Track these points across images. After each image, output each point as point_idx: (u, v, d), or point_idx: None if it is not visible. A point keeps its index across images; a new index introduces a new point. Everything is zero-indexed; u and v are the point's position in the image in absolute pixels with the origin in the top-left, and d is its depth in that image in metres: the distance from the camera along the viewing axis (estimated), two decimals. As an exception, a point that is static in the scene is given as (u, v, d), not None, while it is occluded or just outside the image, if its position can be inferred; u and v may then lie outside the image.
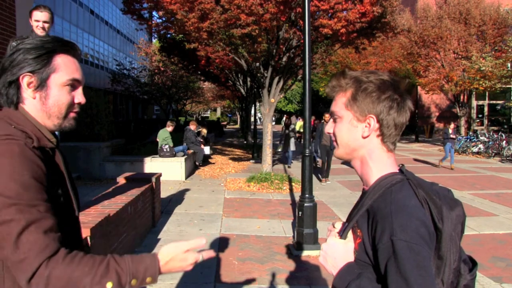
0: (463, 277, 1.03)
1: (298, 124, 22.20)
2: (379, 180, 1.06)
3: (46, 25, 3.63)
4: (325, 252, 1.08)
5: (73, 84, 1.14)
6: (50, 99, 1.11)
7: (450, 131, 12.22)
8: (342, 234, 1.09)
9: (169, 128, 10.53)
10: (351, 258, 1.04)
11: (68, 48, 1.15)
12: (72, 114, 1.17)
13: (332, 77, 1.14)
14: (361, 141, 1.08)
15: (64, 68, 1.12)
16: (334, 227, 1.17)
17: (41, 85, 1.10)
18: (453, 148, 12.38)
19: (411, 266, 0.89)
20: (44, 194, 0.97)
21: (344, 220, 1.18)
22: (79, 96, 1.17)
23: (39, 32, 3.61)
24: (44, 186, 0.98)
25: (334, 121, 1.13)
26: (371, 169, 1.08)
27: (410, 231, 0.92)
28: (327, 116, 9.65)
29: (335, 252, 1.06)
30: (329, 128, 1.16)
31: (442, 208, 0.98)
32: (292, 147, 12.48)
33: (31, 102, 1.11)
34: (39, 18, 3.59)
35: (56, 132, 1.27)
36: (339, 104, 1.11)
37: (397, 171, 1.08)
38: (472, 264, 1.07)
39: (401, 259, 0.89)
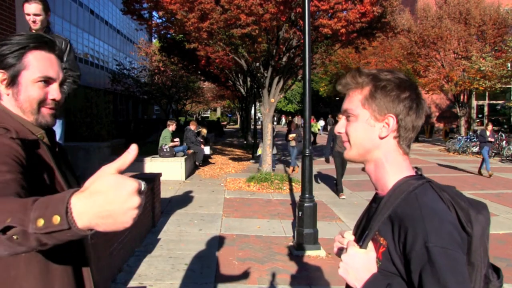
0: (492, 283, 0.97)
1: (314, 126, 22.14)
2: (397, 184, 1.00)
3: (38, 18, 3.33)
4: (346, 264, 1.00)
5: (46, 81, 1.14)
6: (21, 95, 1.12)
7: (488, 133, 10.84)
8: (362, 243, 1.01)
9: (170, 127, 10.54)
10: (374, 269, 0.97)
11: (43, 44, 1.14)
12: (46, 111, 1.16)
13: (346, 74, 1.07)
14: (377, 141, 1.02)
15: (36, 64, 1.12)
16: (343, 236, 1.11)
17: (13, 81, 1.11)
18: (489, 153, 11.03)
19: (449, 273, 0.84)
20: (14, 168, 0.95)
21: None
22: (53, 92, 1.16)
23: (32, 25, 3.36)
24: (18, 164, 0.96)
25: (347, 119, 1.06)
26: (388, 173, 1.02)
27: (445, 237, 0.87)
28: (341, 117, 8.44)
29: (357, 263, 0.98)
30: (340, 127, 1.08)
31: (469, 211, 0.93)
32: (273, 150, 11.52)
33: (6, 99, 1.13)
34: (29, 11, 3.33)
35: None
36: (355, 101, 1.04)
37: (414, 174, 1.03)
38: (495, 270, 1.01)
39: (438, 266, 0.84)
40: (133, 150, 0.77)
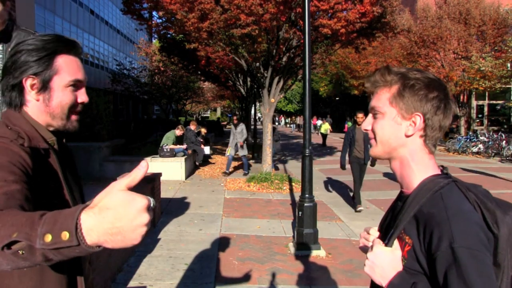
0: None
1: (323, 126, 21.82)
2: (423, 183, 1.01)
3: None
4: (372, 262, 1.02)
5: (75, 84, 1.14)
6: (53, 100, 1.11)
7: None
8: (388, 241, 1.02)
9: (177, 131, 10.61)
10: (400, 267, 0.98)
11: (70, 47, 1.14)
12: (74, 117, 1.17)
13: (375, 71, 1.08)
14: (403, 140, 1.03)
15: (66, 69, 1.12)
16: (368, 233, 1.12)
17: (44, 87, 1.10)
18: None
19: (476, 275, 0.83)
20: (20, 178, 0.94)
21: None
22: (82, 96, 1.17)
23: None
24: (24, 174, 0.96)
25: (374, 117, 1.07)
26: (413, 171, 1.03)
27: (471, 238, 0.87)
28: (360, 116, 7.10)
29: (383, 261, 0.99)
30: (367, 124, 1.09)
31: (495, 212, 0.93)
32: (243, 151, 10.71)
33: (34, 104, 1.12)
34: None
35: None
36: (383, 99, 1.05)
37: (440, 173, 1.04)
38: None
39: (465, 268, 0.84)
40: (143, 166, 0.76)
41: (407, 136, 1.02)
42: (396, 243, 1.01)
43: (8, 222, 0.74)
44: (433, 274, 0.91)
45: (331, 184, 9.81)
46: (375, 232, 1.11)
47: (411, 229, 0.98)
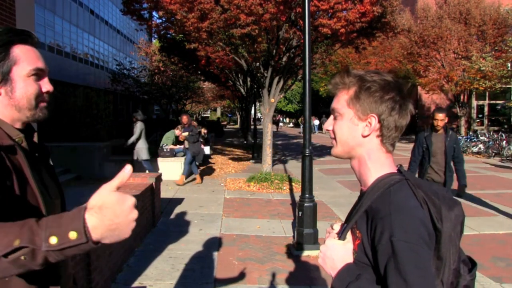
0: (462, 277, 1.02)
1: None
2: (377, 180, 1.05)
3: None
4: (324, 254, 1.08)
5: (37, 74, 1.11)
6: (16, 91, 1.08)
7: None
8: (341, 235, 1.08)
9: (177, 131, 10.59)
10: (350, 259, 1.03)
11: (25, 37, 1.10)
12: (42, 104, 1.13)
13: (336, 74, 1.13)
14: (361, 140, 1.07)
15: (25, 58, 1.08)
16: (332, 228, 1.17)
17: (5, 79, 1.07)
18: None
19: (411, 267, 0.88)
20: None
21: (344, 220, 1.18)
22: (46, 85, 1.13)
23: None
24: None
25: (335, 118, 1.12)
26: (370, 170, 1.07)
27: (409, 232, 0.92)
28: (441, 118, 5.05)
29: (333, 253, 1.05)
30: (328, 125, 1.14)
31: (441, 208, 0.97)
32: (145, 155, 8.94)
33: None
34: None
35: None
36: (341, 101, 1.09)
37: (395, 171, 1.08)
38: (472, 265, 1.06)
39: (401, 260, 0.89)
40: (128, 170, 0.85)
41: (364, 136, 1.07)
42: (349, 236, 1.07)
43: (1, 233, 0.77)
44: (376, 266, 0.96)
45: (331, 184, 9.80)
46: (337, 227, 1.16)
47: (362, 224, 1.03)
